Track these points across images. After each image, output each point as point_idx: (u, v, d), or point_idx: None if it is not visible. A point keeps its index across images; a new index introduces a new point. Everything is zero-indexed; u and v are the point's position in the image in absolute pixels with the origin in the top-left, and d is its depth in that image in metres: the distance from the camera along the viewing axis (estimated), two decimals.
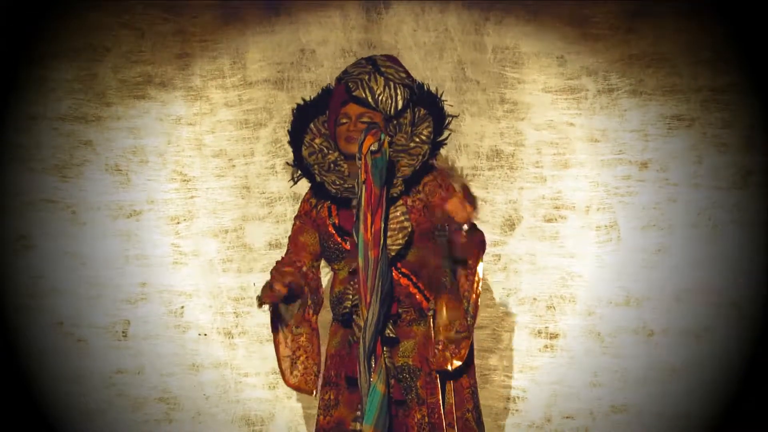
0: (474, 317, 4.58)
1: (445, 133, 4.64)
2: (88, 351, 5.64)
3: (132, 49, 5.70)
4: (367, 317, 4.43)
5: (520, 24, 5.71)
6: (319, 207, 4.66)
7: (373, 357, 4.46)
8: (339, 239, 4.59)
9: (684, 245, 5.67)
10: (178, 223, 5.70)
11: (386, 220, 4.51)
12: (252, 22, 5.71)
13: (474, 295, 4.57)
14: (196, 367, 5.61)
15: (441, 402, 4.53)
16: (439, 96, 4.67)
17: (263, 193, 5.68)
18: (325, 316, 4.65)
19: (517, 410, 5.64)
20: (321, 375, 4.64)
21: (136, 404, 5.63)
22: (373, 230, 4.44)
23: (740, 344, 5.64)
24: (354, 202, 4.51)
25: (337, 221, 4.60)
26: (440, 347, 4.55)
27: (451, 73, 5.70)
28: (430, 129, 4.64)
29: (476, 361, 5.60)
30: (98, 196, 5.67)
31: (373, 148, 4.42)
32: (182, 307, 5.65)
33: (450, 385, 4.56)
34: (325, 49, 5.68)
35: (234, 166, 5.71)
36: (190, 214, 5.70)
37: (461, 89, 5.70)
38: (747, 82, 5.69)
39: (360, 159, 4.43)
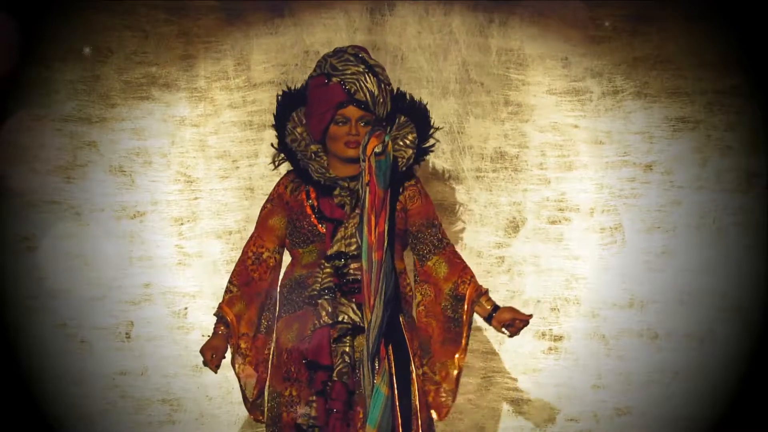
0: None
1: (431, 141, 4.65)
2: (91, 352, 5.63)
3: (136, 51, 5.70)
4: (370, 319, 4.43)
5: (525, 26, 5.70)
6: (295, 191, 4.66)
7: (376, 359, 4.46)
8: (316, 221, 4.59)
9: (688, 248, 5.66)
10: (182, 224, 5.69)
11: (391, 221, 4.52)
12: (256, 24, 5.71)
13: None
14: (200, 369, 5.58)
15: (397, 399, 4.53)
16: (422, 104, 4.68)
17: (267, 194, 5.67)
18: None
19: (520, 412, 5.64)
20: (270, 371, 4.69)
21: (139, 406, 5.63)
22: (377, 232, 4.44)
23: (744, 347, 5.63)
24: (336, 191, 4.52)
25: (315, 204, 4.60)
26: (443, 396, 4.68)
27: (455, 75, 5.70)
28: (414, 135, 4.65)
29: (480, 363, 5.62)
30: (102, 197, 5.66)
31: (377, 150, 4.43)
32: (186, 308, 5.64)
33: (414, 388, 4.57)
34: (329, 51, 5.66)
35: (238, 167, 5.71)
36: (193, 215, 5.69)
37: (465, 91, 5.69)
38: (751, 84, 5.68)
39: (364, 161, 4.43)
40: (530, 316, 4.62)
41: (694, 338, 5.65)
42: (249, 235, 5.67)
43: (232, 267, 5.61)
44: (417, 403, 4.56)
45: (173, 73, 5.70)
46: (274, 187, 4.75)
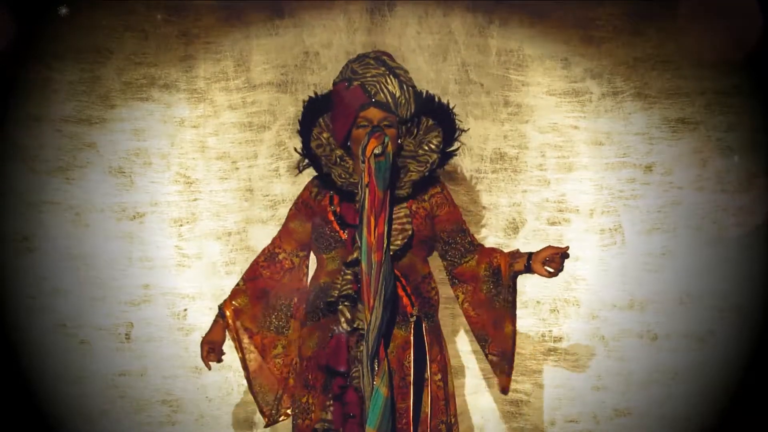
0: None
1: (456, 145, 4.67)
2: (91, 353, 5.63)
3: (135, 51, 5.69)
4: (370, 321, 4.43)
5: (524, 27, 5.70)
6: (319, 196, 4.68)
7: (376, 360, 4.47)
8: (337, 227, 4.60)
9: (688, 249, 5.66)
10: (182, 225, 5.69)
11: (390, 223, 4.52)
12: (256, 25, 5.70)
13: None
14: (199, 370, 5.60)
15: (411, 409, 4.54)
16: (450, 108, 4.68)
17: (267, 195, 5.68)
18: None
19: (520, 414, 5.64)
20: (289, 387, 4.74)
21: (138, 406, 5.63)
22: (376, 233, 4.45)
23: (744, 348, 5.63)
24: (358, 197, 4.53)
25: (338, 210, 4.62)
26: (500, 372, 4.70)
27: (454, 76, 5.70)
28: (439, 139, 4.66)
29: (480, 365, 5.63)
30: (101, 198, 5.66)
31: (376, 151, 4.44)
32: (185, 309, 5.65)
33: (427, 395, 4.57)
34: (329, 52, 5.67)
35: (237, 168, 5.71)
36: (193, 216, 5.69)
37: (465, 92, 5.69)
38: (751, 85, 5.68)
39: (363, 162, 4.44)
40: (567, 247, 4.54)
41: (693, 339, 5.65)
42: (248, 236, 5.69)
43: (231, 268, 5.66)
44: (428, 410, 4.57)
45: (173, 74, 5.70)
46: (301, 191, 4.79)
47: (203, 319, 5.62)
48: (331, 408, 4.51)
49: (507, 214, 5.70)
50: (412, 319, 4.58)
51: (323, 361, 4.54)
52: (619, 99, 5.70)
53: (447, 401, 4.64)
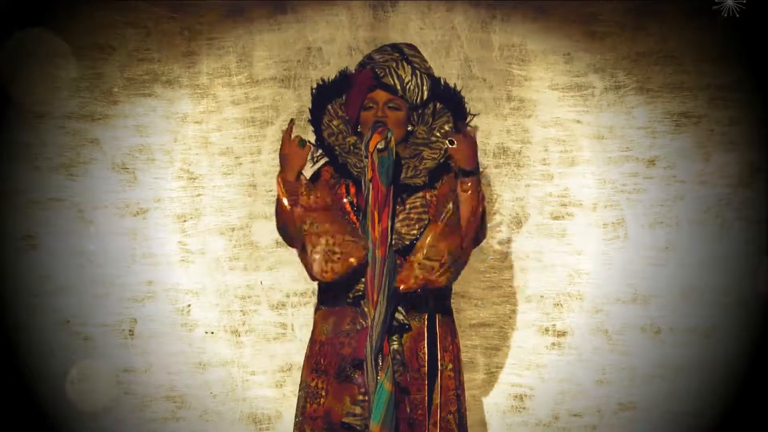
0: (476, 234, 4.57)
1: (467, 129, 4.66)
2: (95, 349, 5.64)
3: (138, 48, 5.70)
4: (374, 316, 4.43)
5: (527, 21, 5.71)
6: (333, 180, 4.63)
7: (380, 355, 4.47)
8: (354, 218, 4.57)
9: (691, 243, 5.66)
10: (185, 221, 5.70)
11: (393, 218, 4.52)
12: (258, 21, 5.71)
13: (479, 209, 4.56)
14: (203, 366, 5.61)
15: (427, 399, 4.54)
16: (458, 91, 4.67)
17: (270, 191, 5.68)
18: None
19: (524, 408, 5.64)
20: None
21: (142, 403, 5.63)
22: (380, 228, 4.45)
23: (747, 342, 5.63)
24: (362, 191, 4.52)
25: (354, 200, 4.59)
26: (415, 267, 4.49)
27: (457, 71, 5.70)
28: (450, 124, 4.64)
29: (483, 359, 5.64)
30: (105, 195, 5.67)
31: (379, 146, 4.43)
32: (189, 305, 5.65)
33: (438, 384, 4.56)
34: (332, 47, 5.68)
35: (241, 164, 5.71)
36: (196, 212, 5.70)
37: (468, 87, 5.69)
38: (754, 79, 5.68)
39: (367, 157, 4.44)
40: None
41: (697, 333, 5.65)
42: (252, 232, 5.68)
43: (235, 264, 5.67)
44: (438, 401, 4.56)
45: (175, 70, 5.70)
46: (317, 170, 4.66)
47: (207, 314, 5.63)
48: (366, 403, 4.48)
49: (510, 208, 5.70)
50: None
51: (357, 355, 4.50)
52: (621, 93, 5.70)
53: (459, 391, 4.62)
